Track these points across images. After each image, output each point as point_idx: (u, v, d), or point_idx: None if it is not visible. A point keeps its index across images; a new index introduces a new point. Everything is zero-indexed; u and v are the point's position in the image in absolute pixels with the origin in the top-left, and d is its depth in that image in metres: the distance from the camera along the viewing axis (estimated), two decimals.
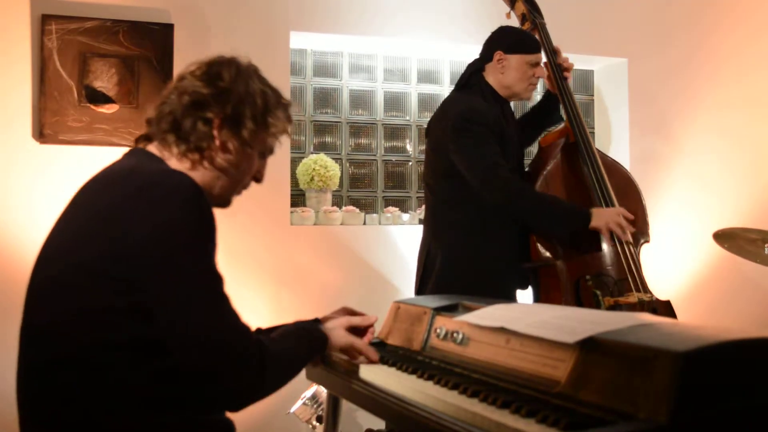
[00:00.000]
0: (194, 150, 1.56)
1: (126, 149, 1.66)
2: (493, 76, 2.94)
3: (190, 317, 1.41)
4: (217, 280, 1.46)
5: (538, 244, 2.83)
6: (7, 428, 3.10)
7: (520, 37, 2.96)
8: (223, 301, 1.46)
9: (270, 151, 1.68)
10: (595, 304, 2.75)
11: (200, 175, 1.58)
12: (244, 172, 1.65)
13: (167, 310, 1.40)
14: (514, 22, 3.19)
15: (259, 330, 1.93)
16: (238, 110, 1.57)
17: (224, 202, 1.68)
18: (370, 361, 1.81)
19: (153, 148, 1.60)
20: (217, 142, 1.57)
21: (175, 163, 1.58)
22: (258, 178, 1.70)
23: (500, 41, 2.96)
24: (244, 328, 1.48)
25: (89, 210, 1.49)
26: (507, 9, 3.20)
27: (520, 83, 2.93)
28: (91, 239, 1.43)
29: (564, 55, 3.10)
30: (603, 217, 2.77)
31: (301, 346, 1.67)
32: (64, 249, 1.47)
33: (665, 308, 2.93)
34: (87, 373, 1.41)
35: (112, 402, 1.41)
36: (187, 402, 1.46)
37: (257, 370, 1.46)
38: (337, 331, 1.78)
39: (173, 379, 1.44)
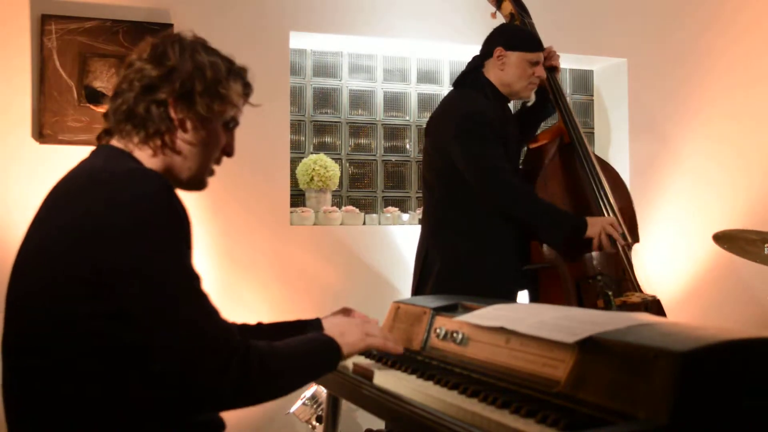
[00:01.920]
0: (154, 135, 1.52)
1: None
2: (493, 72, 2.91)
3: (167, 318, 1.37)
4: (193, 278, 1.42)
5: (540, 246, 2.83)
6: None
7: (522, 35, 2.94)
8: (202, 299, 1.42)
9: (233, 121, 1.62)
10: (606, 304, 2.75)
11: (166, 160, 1.54)
12: (211, 148, 1.59)
13: (145, 313, 1.37)
14: (497, 23, 3.18)
15: (260, 324, 1.91)
16: (187, 86, 1.52)
17: (198, 184, 1.62)
18: (396, 354, 1.79)
19: (116, 142, 1.56)
20: (176, 123, 1.53)
21: (139, 153, 1.53)
22: (228, 152, 1.64)
23: (501, 37, 2.93)
24: (225, 325, 1.44)
25: (59, 216, 1.45)
26: (492, 9, 3.18)
27: (519, 81, 2.89)
28: (63, 246, 1.40)
29: (558, 53, 3.10)
30: (596, 226, 2.77)
31: (308, 355, 1.60)
32: (39, 257, 1.44)
33: (655, 306, 2.94)
34: (68, 382, 1.39)
35: (94, 410, 1.39)
36: (171, 403, 1.43)
37: (241, 368, 1.41)
38: (350, 337, 1.69)
39: (156, 385, 1.41)
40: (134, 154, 1.54)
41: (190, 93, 1.53)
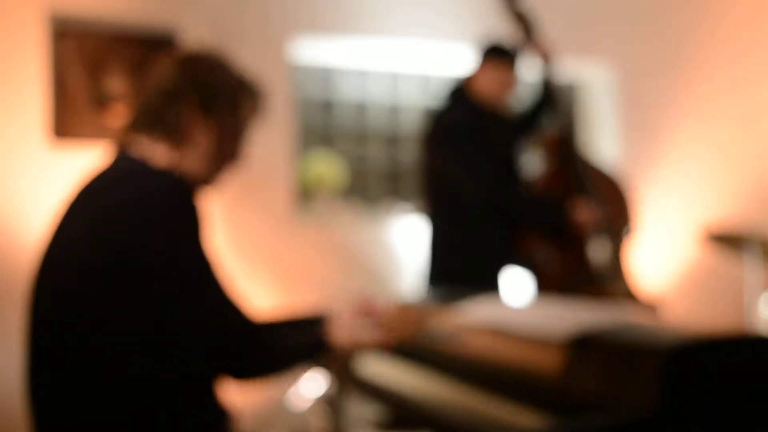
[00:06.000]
0: (171, 137, 1.64)
1: (112, 150, 1.71)
2: (474, 84, 3.04)
3: (190, 302, 1.50)
4: (209, 265, 1.54)
5: (527, 242, 2.93)
6: (6, 428, 3.15)
7: (499, 47, 3.04)
8: (219, 284, 1.54)
9: (245, 132, 1.74)
10: (596, 297, 2.84)
11: (178, 160, 1.65)
12: (224, 155, 1.71)
13: (168, 303, 1.48)
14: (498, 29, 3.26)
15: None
16: (209, 97, 1.65)
17: (205, 183, 1.73)
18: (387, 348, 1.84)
19: (136, 143, 1.66)
20: (192, 129, 1.65)
21: (157, 153, 1.64)
22: (237, 159, 1.76)
23: (481, 49, 3.06)
24: (239, 312, 1.55)
25: (84, 214, 1.57)
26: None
27: (494, 90, 3.02)
28: (90, 241, 1.51)
29: (553, 57, 3.18)
30: (582, 212, 2.91)
31: (302, 340, 1.69)
32: (69, 253, 1.55)
33: (641, 300, 3.02)
34: (94, 368, 1.49)
35: (117, 392, 1.49)
36: (188, 380, 1.54)
37: (252, 348, 1.55)
38: (341, 331, 1.74)
39: (176, 366, 1.51)
40: (152, 155, 1.64)
41: (210, 104, 1.66)
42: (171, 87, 1.64)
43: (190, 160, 1.66)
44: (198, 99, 1.64)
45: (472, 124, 2.96)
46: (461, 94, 3.07)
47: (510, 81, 3.03)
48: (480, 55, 3.05)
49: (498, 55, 3.02)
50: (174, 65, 1.67)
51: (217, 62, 1.70)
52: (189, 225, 1.52)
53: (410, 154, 4.24)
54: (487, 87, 3.02)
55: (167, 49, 3.48)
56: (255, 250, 3.66)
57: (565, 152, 3.05)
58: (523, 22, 3.10)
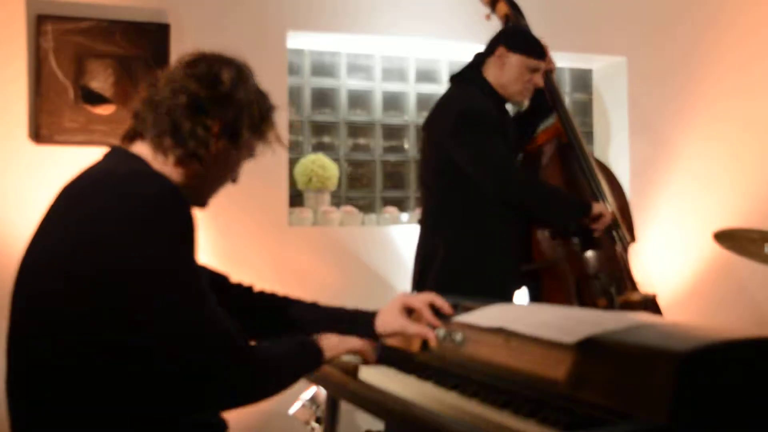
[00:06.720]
0: (191, 155, 1.53)
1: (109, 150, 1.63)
2: (491, 71, 2.91)
3: (172, 321, 1.40)
4: (196, 278, 1.44)
5: (541, 245, 2.85)
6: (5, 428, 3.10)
7: (527, 39, 2.93)
8: (204, 300, 1.44)
9: (254, 155, 1.68)
10: (609, 302, 2.78)
11: (186, 177, 1.56)
12: (228, 176, 1.65)
13: (148, 314, 1.39)
14: (496, 24, 3.17)
15: (315, 304, 1.98)
16: (237, 118, 1.55)
17: (203, 203, 1.66)
18: (368, 361, 1.80)
19: (140, 146, 1.57)
20: (213, 150, 1.55)
21: (161, 164, 1.54)
22: (234, 179, 1.69)
23: (506, 37, 2.93)
24: (227, 327, 1.46)
25: (65, 218, 1.48)
26: (487, 11, 3.17)
27: (515, 84, 2.88)
28: (71, 248, 1.42)
29: (554, 53, 3.10)
30: (600, 206, 2.85)
31: (293, 357, 1.65)
32: (47, 257, 1.46)
33: (653, 304, 2.97)
34: (74, 381, 1.41)
35: (97, 409, 1.41)
36: (173, 403, 1.45)
37: (244, 371, 1.45)
38: (330, 341, 1.73)
39: (158, 384, 1.43)
40: (154, 164, 1.54)
41: (237, 126, 1.55)
42: (194, 99, 1.52)
43: (192, 179, 1.57)
44: (225, 119, 1.54)
45: (492, 111, 2.83)
46: (478, 78, 2.92)
47: (536, 77, 2.91)
48: (506, 42, 2.90)
49: (529, 47, 2.89)
50: (195, 70, 1.55)
51: (245, 74, 1.59)
52: (180, 233, 1.43)
53: (410, 153, 4.22)
54: (510, 78, 2.88)
55: (160, 44, 3.43)
56: (251, 252, 3.62)
57: (568, 152, 2.99)
58: (513, 12, 3.02)
